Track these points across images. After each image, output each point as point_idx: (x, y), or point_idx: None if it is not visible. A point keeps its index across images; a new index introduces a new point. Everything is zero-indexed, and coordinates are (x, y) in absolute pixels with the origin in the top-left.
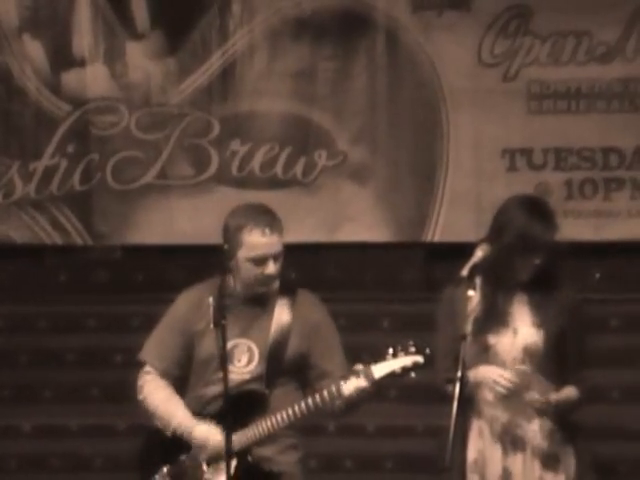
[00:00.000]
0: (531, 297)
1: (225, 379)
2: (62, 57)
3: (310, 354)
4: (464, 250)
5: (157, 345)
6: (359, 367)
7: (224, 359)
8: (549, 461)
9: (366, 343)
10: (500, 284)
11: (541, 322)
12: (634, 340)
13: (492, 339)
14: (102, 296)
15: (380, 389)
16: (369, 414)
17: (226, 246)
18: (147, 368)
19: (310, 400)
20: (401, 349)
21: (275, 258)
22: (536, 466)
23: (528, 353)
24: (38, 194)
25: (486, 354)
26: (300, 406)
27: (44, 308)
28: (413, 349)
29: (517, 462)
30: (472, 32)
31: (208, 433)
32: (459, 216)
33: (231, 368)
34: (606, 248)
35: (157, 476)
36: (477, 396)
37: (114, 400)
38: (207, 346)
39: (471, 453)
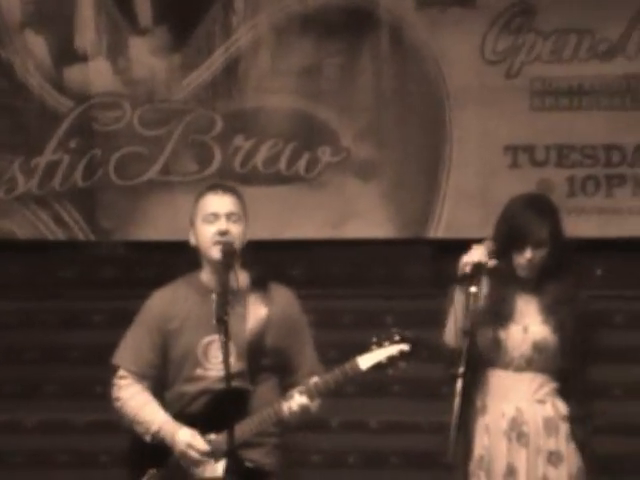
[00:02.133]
0: (540, 297)
1: (227, 375)
2: (65, 52)
3: (285, 348)
4: (468, 246)
5: (131, 348)
6: (307, 383)
7: (227, 355)
8: (552, 457)
9: (371, 339)
10: (503, 280)
11: (555, 323)
12: (637, 336)
13: (502, 334)
14: (106, 292)
15: (381, 385)
16: (373, 410)
17: (191, 230)
18: (122, 372)
19: (263, 414)
20: (385, 338)
21: (228, 217)
22: (540, 462)
23: (537, 349)
24: (40, 190)
25: (497, 350)
26: (261, 416)
27: (48, 304)
28: (397, 337)
29: (521, 458)
30: (476, 29)
31: (193, 437)
32: (463, 212)
33: (207, 365)
34: (608, 245)
35: (145, 478)
36: (481, 393)
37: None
38: (183, 343)
39: (477, 450)
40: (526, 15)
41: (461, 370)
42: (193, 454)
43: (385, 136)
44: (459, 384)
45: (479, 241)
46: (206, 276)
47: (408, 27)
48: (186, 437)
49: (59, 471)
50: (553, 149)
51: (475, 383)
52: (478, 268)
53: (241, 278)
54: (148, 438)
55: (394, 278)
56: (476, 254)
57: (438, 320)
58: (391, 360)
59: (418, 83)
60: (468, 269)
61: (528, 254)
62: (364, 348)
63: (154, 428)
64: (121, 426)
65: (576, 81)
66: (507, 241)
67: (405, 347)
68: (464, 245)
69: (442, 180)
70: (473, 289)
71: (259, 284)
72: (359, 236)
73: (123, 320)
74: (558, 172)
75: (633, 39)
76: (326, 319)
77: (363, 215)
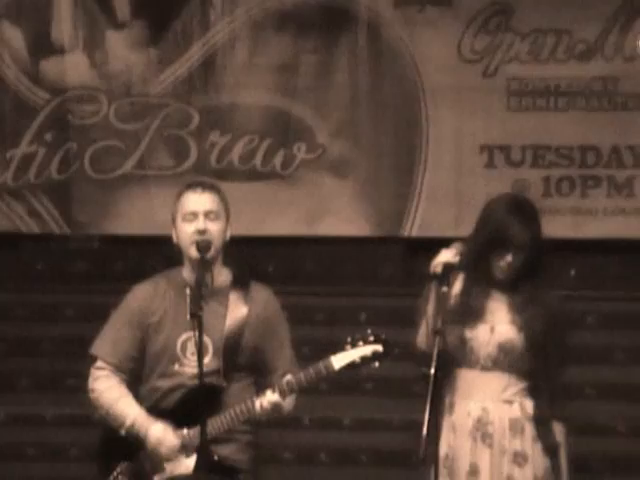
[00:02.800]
0: (511, 296)
1: (201, 371)
2: (41, 45)
3: (262, 348)
4: (442, 245)
5: (110, 339)
6: (280, 381)
7: (200, 351)
8: (518, 458)
9: (344, 337)
10: (477, 279)
11: (521, 322)
12: (609, 337)
13: (468, 333)
14: (80, 286)
15: (353, 383)
16: (345, 407)
17: (172, 228)
18: (99, 364)
19: (235, 410)
20: (359, 338)
21: (206, 215)
22: (505, 463)
23: (503, 350)
24: (15, 182)
25: (463, 349)
26: (232, 413)
27: (21, 297)
28: (372, 338)
29: (485, 458)
30: (453, 28)
31: (164, 433)
32: (437, 211)
33: (184, 361)
34: (582, 245)
35: (116, 472)
36: (449, 392)
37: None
38: (161, 338)
39: (443, 448)
40: (503, 15)
41: (432, 370)
42: (163, 450)
43: (361, 134)
44: (430, 384)
45: (453, 241)
46: (187, 273)
47: (385, 25)
48: (157, 432)
49: (29, 464)
50: (529, 149)
51: (444, 381)
52: (448, 268)
53: (223, 276)
54: (122, 432)
55: (367, 276)
56: (446, 255)
57: (411, 318)
58: (364, 360)
59: (394, 81)
60: (439, 269)
61: (509, 258)
62: (338, 347)
63: (128, 422)
64: (92, 419)
65: (553, 81)
66: (488, 244)
67: (379, 348)
68: (438, 244)
69: (417, 179)
70: (444, 289)
71: (240, 283)
72: (333, 233)
73: (95, 314)
74: (533, 172)
75: (610, 40)
76: (299, 316)
77: (338, 212)
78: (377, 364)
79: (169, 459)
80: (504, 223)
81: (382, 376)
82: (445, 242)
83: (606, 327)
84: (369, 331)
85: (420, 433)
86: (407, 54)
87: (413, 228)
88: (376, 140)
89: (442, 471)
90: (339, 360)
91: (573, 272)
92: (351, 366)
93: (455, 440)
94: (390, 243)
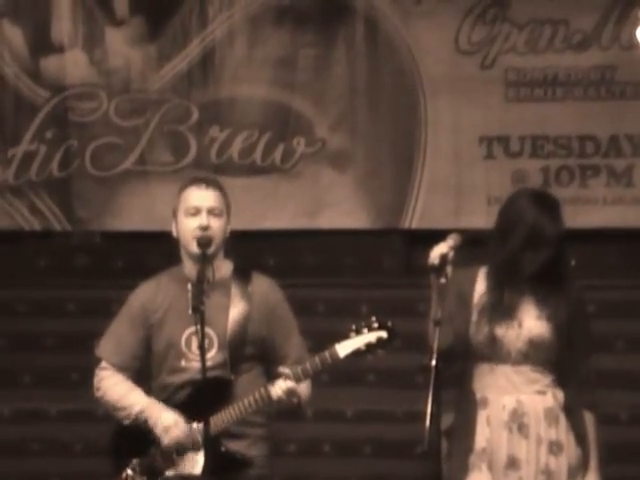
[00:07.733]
0: (537, 290)
1: (203, 365)
2: (41, 43)
3: (269, 337)
4: (442, 236)
5: (113, 340)
6: (285, 370)
7: (203, 345)
8: (553, 447)
9: (345, 329)
10: (506, 278)
11: (548, 315)
12: (609, 326)
13: (499, 331)
14: (81, 281)
15: (356, 374)
16: (348, 399)
17: (173, 222)
18: (103, 364)
19: (247, 400)
20: (364, 325)
21: (210, 212)
22: (542, 453)
23: (533, 345)
24: (17, 180)
25: (493, 346)
26: (244, 403)
27: (24, 293)
28: (376, 325)
29: (522, 449)
30: (450, 20)
31: (175, 421)
32: (437, 203)
33: (190, 356)
34: (582, 235)
35: (128, 470)
36: (480, 387)
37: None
38: (165, 335)
39: (479, 442)
40: (500, 6)
41: (433, 362)
42: (173, 436)
43: (360, 126)
44: (432, 375)
45: (453, 232)
46: (187, 268)
47: (383, 18)
48: (169, 420)
49: (33, 460)
50: (528, 140)
51: (472, 376)
52: (445, 260)
53: (224, 268)
54: (128, 422)
55: (368, 268)
56: (443, 247)
57: (411, 309)
58: (369, 347)
59: (393, 74)
60: (436, 262)
61: (542, 255)
62: (343, 335)
63: (137, 408)
64: (97, 414)
65: (551, 72)
66: (522, 244)
67: (383, 334)
68: (437, 235)
69: (416, 170)
70: (442, 281)
71: (242, 274)
72: (333, 226)
73: (97, 309)
74: (532, 163)
75: (607, 30)
76: (300, 308)
77: (337, 205)
78: (382, 351)
79: (185, 448)
80: (538, 224)
81: (385, 367)
82: (445, 233)
83: (606, 316)
84: (373, 318)
85: (423, 424)
86: (405, 46)
87: (413, 220)
88: (375, 133)
89: (480, 465)
90: (344, 348)
91: (573, 262)
92: (356, 354)
93: (492, 433)
94: (390, 235)
